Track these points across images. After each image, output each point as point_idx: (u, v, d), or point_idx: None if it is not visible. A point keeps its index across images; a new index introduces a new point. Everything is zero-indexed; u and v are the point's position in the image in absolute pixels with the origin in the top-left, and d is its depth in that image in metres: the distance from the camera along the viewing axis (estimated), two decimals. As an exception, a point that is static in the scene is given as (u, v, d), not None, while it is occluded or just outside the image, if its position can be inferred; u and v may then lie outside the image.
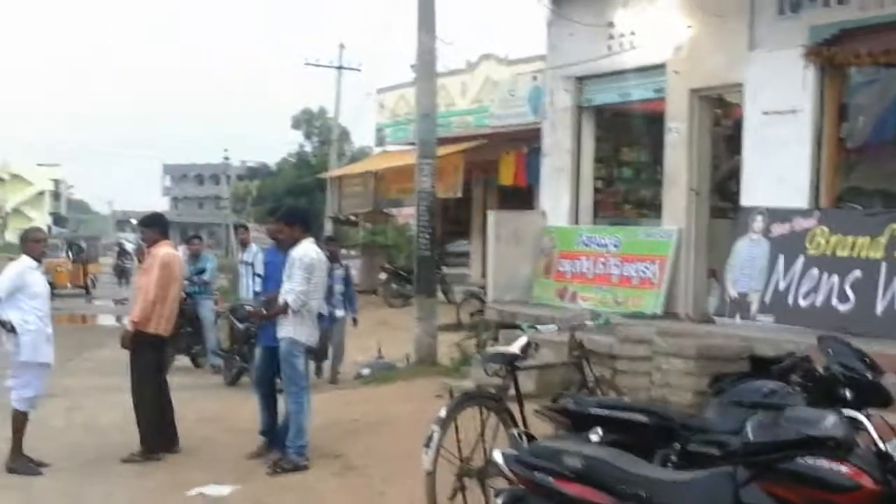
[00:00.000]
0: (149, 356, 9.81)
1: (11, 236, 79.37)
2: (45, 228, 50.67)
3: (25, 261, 9.46)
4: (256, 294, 12.73)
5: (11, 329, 9.21)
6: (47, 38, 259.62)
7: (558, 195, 13.92)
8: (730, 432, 5.10)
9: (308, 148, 53.96)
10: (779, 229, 10.61)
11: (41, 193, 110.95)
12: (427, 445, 6.49)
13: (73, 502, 8.25)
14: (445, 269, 25.28)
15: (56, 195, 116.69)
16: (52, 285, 30.23)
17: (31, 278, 9.39)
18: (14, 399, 9.28)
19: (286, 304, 8.98)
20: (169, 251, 10.02)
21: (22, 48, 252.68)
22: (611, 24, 12.94)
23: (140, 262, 23.94)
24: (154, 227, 10.20)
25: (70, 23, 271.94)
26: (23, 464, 9.15)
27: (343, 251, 33.89)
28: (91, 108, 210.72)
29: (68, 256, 38.08)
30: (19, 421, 9.26)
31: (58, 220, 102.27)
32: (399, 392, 11.62)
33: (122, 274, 45.11)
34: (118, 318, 26.65)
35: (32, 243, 9.69)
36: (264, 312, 9.50)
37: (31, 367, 9.32)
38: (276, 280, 9.39)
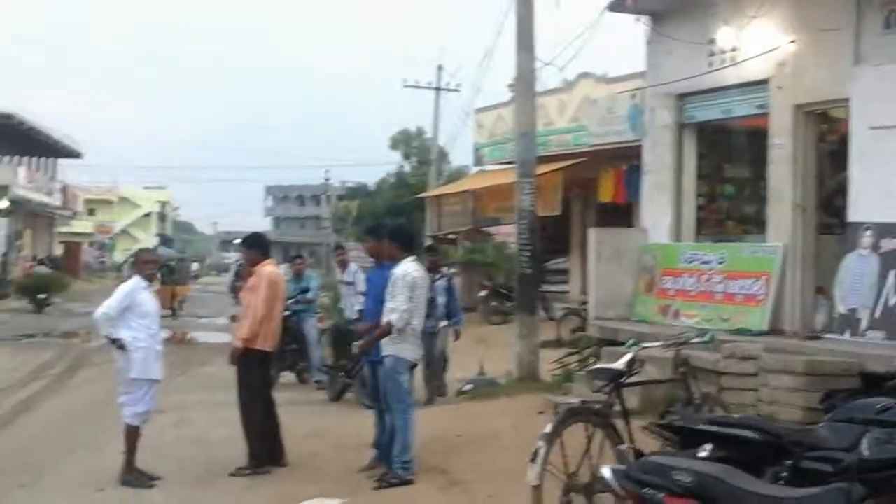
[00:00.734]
0: (256, 372, 10.03)
1: (120, 257, 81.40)
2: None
3: (136, 280, 9.74)
4: (360, 312, 12.86)
5: (122, 347, 9.49)
6: (157, 67, 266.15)
7: (660, 212, 13.83)
8: (843, 449, 5.03)
9: (406, 168, 54.36)
10: (888, 244, 10.40)
11: (148, 215, 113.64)
12: (533, 460, 6.51)
13: (184, 514, 8.40)
14: (546, 287, 25.25)
15: (162, 217, 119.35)
16: None
17: (141, 297, 9.67)
18: (127, 415, 9.54)
19: (389, 324, 9.10)
20: (274, 270, 10.26)
21: (131, 76, 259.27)
22: (711, 41, 12.84)
23: (241, 280, 24.45)
24: (255, 246, 10.43)
25: (177, 52, 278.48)
26: (136, 477, 9.39)
27: (443, 269, 34.22)
28: (196, 132, 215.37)
29: (157, 278, 38.17)
30: (132, 435, 9.52)
31: (164, 240, 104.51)
32: (502, 408, 11.63)
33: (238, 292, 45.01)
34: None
35: (143, 263, 9.99)
36: (369, 335, 9.55)
37: (142, 384, 9.58)
38: (377, 298, 9.51)
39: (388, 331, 9.10)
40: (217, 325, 31.12)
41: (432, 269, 12.73)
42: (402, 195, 47.91)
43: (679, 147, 13.76)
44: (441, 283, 13.87)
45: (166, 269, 36.35)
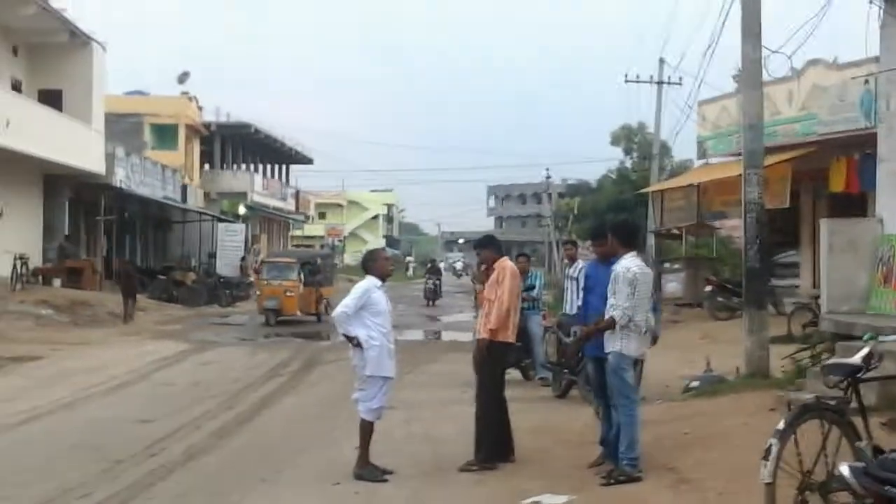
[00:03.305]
0: (497, 367, 10.22)
1: (350, 259, 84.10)
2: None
3: (370, 280, 10.04)
4: (580, 308, 12.86)
5: (358, 344, 9.80)
6: (381, 72, 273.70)
7: (897, 202, 13.20)
8: None
9: (628, 164, 53.86)
10: None
11: (375, 217, 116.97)
12: (765, 458, 6.35)
13: (416, 508, 8.60)
14: (774, 281, 24.57)
15: (389, 219, 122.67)
16: (277, 312, 29.99)
17: (375, 296, 9.93)
18: (362, 410, 9.84)
19: (612, 320, 9.09)
20: (512, 264, 10.47)
21: (356, 82, 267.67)
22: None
23: (475, 280, 24.83)
24: (489, 247, 10.69)
25: (400, 55, 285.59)
26: (370, 471, 9.66)
27: (666, 265, 33.76)
28: (421, 135, 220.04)
29: (300, 279, 31.62)
30: (367, 431, 9.81)
31: (390, 242, 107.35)
32: (730, 405, 11.39)
33: (433, 295, 43.97)
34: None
35: (377, 262, 10.27)
36: (591, 328, 9.58)
37: (376, 381, 9.85)
38: (599, 294, 9.50)
39: (610, 325, 9.09)
40: (444, 324, 31.69)
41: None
42: (624, 191, 47.52)
43: (916, 133, 13.09)
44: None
45: (309, 267, 32.87)
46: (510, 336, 10.24)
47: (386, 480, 9.54)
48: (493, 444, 10.04)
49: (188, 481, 9.65)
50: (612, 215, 40.67)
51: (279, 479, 9.69)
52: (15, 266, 30.27)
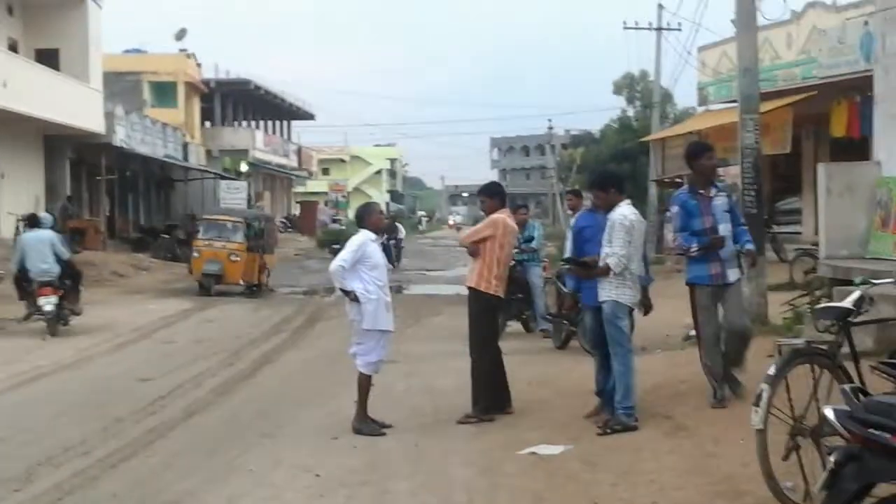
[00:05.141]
0: (488, 319, 10.24)
1: (353, 214, 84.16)
2: (383, 206, 52.63)
3: (365, 233, 10.01)
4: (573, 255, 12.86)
5: (355, 298, 9.80)
6: (380, 24, 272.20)
7: (894, 144, 13.12)
8: None
9: (630, 113, 53.59)
10: None
11: (378, 172, 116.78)
12: (756, 404, 6.36)
13: (413, 460, 8.62)
14: (776, 228, 24.50)
15: (392, 173, 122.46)
16: (218, 278, 25.90)
17: (370, 250, 9.92)
18: (359, 364, 9.87)
19: (607, 267, 9.07)
20: (501, 217, 10.30)
21: (355, 35, 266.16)
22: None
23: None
24: (495, 196, 10.52)
25: (398, 7, 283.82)
26: (368, 425, 9.71)
27: (668, 214, 33.62)
28: (421, 88, 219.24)
29: (245, 241, 27.14)
30: (364, 384, 9.83)
31: (395, 196, 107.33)
32: (729, 353, 11.39)
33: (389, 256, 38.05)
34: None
35: (371, 216, 10.25)
36: (586, 266, 9.57)
37: (374, 335, 9.87)
38: (596, 243, 9.48)
39: (605, 272, 9.08)
40: (446, 278, 31.73)
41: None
42: (626, 140, 47.33)
43: (914, 73, 12.98)
44: None
45: (252, 232, 27.88)
46: (498, 290, 10.19)
47: (384, 434, 9.59)
48: (491, 396, 10.08)
49: (188, 438, 9.71)
50: (614, 165, 40.55)
51: (279, 434, 9.75)
52: (17, 228, 30.30)
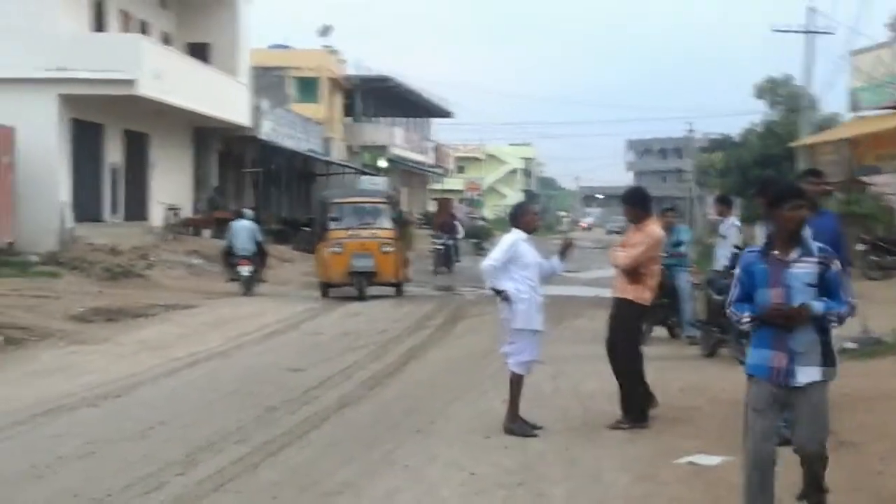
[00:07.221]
0: (637, 328, 10.17)
1: (488, 213, 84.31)
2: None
3: (517, 233, 9.98)
4: (726, 267, 12.62)
5: (506, 298, 9.78)
6: (519, 24, 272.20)
7: None
8: None
9: (773, 117, 52.42)
10: None
11: (513, 171, 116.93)
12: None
13: (567, 464, 8.54)
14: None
15: (527, 173, 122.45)
16: (371, 276, 22.02)
17: (522, 249, 9.89)
18: (512, 363, 9.83)
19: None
20: (657, 232, 10.11)
21: (493, 33, 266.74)
22: None
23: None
24: (637, 204, 10.26)
25: (538, 6, 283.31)
26: (519, 425, 9.65)
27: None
28: (559, 88, 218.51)
29: (395, 228, 24.01)
30: (516, 384, 9.78)
31: (529, 196, 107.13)
32: (891, 368, 11.06)
33: (444, 261, 33.47)
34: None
35: (525, 216, 10.21)
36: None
37: (525, 334, 9.82)
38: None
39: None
40: (583, 280, 31.51)
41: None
42: (770, 146, 46.33)
43: None
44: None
45: (399, 215, 25.51)
46: (648, 299, 10.03)
47: (536, 435, 9.52)
48: (639, 403, 9.93)
49: (341, 430, 9.83)
50: (758, 170, 39.75)
51: (430, 430, 9.79)
52: (167, 217, 31.26)
